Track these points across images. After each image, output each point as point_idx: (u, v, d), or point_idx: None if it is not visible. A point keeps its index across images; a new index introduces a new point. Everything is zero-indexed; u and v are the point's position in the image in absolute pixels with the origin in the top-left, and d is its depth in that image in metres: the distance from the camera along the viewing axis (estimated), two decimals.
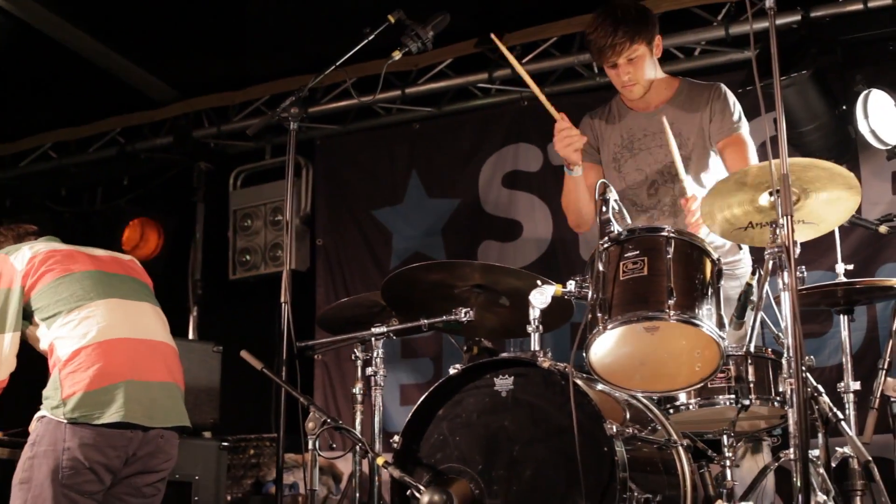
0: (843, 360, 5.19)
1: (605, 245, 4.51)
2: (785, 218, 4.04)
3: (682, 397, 4.72)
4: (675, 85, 5.62)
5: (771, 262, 4.44)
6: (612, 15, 5.38)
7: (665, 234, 4.47)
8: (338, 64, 5.66)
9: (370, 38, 5.63)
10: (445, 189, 8.45)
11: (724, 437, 4.77)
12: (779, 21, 7.03)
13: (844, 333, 5.22)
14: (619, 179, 5.64)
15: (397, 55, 5.65)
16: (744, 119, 5.39)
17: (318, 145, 9.09)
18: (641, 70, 5.45)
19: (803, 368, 4.58)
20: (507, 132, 8.32)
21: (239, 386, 7.03)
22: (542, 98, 5.22)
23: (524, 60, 7.99)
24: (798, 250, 4.42)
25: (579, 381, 4.37)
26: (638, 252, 4.45)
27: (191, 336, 9.24)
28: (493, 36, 5.53)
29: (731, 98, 5.42)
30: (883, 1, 6.92)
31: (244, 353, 4.95)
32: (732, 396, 4.62)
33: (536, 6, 7.76)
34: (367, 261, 8.60)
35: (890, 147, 6.65)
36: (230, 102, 9.16)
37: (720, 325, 4.42)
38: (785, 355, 4.07)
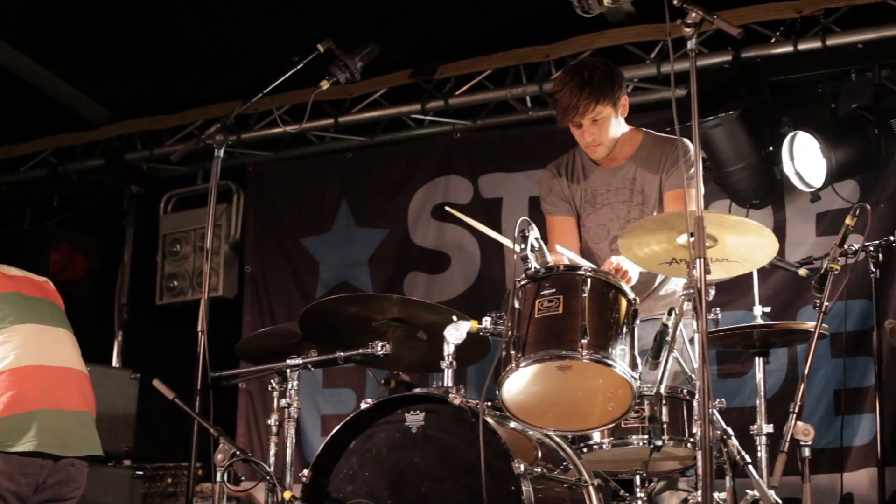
0: (757, 402, 5.19)
1: (522, 282, 4.50)
2: (698, 260, 4.03)
3: (596, 436, 4.71)
4: (639, 139, 5.62)
5: (685, 303, 4.47)
6: (580, 75, 5.36)
7: (582, 272, 4.47)
8: (265, 92, 5.62)
9: (298, 66, 5.61)
10: (374, 219, 8.42)
11: (637, 477, 4.77)
12: (709, 61, 7.22)
13: (759, 375, 5.23)
14: (582, 234, 5.64)
15: (325, 85, 5.63)
16: (699, 176, 5.32)
17: (251, 172, 9.04)
18: (605, 131, 5.44)
19: (713, 411, 4.64)
20: (438, 164, 8.31)
21: (160, 413, 6.93)
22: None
23: (457, 92, 7.98)
24: (713, 291, 4.45)
25: (490, 419, 4.35)
26: (554, 290, 4.44)
27: (115, 362, 9.14)
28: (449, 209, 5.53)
29: (690, 154, 5.33)
30: (812, 44, 6.96)
31: (156, 383, 4.91)
32: (645, 437, 4.61)
33: (471, 38, 7.76)
34: (294, 289, 8.55)
35: (814, 189, 6.68)
36: (163, 126, 9.09)
37: (633, 365, 4.41)
38: (696, 397, 4.06)
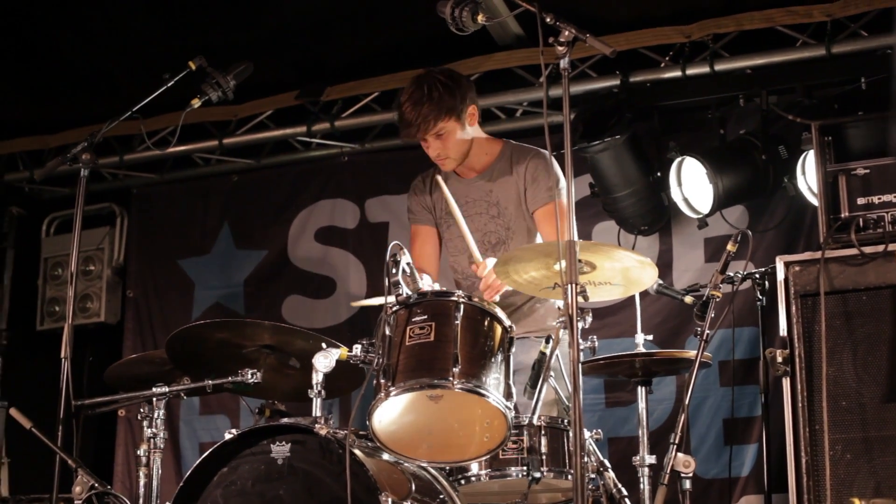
0: (640, 432, 5.08)
1: (394, 308, 4.36)
2: (570, 286, 3.90)
3: (474, 468, 4.55)
4: (497, 149, 5.50)
5: (562, 331, 4.37)
6: (419, 90, 5.26)
7: (455, 299, 4.35)
8: (134, 110, 5.47)
9: (169, 84, 5.45)
10: (253, 240, 8.24)
11: None
12: (598, 84, 7.13)
13: (641, 405, 5.14)
14: (442, 245, 5.56)
15: (196, 103, 5.46)
16: (562, 185, 5.20)
17: (135, 194, 8.81)
18: (450, 144, 5.32)
19: (590, 441, 4.53)
20: (324, 186, 8.15)
21: (36, 442, 6.72)
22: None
23: (344, 115, 7.84)
24: (589, 318, 4.34)
25: (358, 451, 4.20)
26: (426, 317, 4.32)
27: None
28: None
29: (549, 164, 5.23)
30: (701, 69, 6.90)
31: (13, 412, 4.72)
32: (524, 468, 4.47)
33: (358, 60, 7.63)
34: (172, 313, 8.33)
35: (702, 216, 6.61)
36: (44, 146, 8.81)
37: (508, 395, 4.28)
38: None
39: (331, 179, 8.14)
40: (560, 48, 4.28)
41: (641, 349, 5.14)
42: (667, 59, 7.03)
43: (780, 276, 5.13)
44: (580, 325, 4.22)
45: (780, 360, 4.97)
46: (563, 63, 4.30)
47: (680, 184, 6.65)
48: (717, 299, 4.79)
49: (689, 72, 6.93)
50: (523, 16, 4.52)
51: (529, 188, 5.33)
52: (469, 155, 5.40)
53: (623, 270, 4.64)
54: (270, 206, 8.27)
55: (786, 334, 5.06)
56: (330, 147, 8.12)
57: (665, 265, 7.04)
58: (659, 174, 6.75)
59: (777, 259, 5.27)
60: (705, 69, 6.89)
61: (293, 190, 8.23)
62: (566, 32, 4.27)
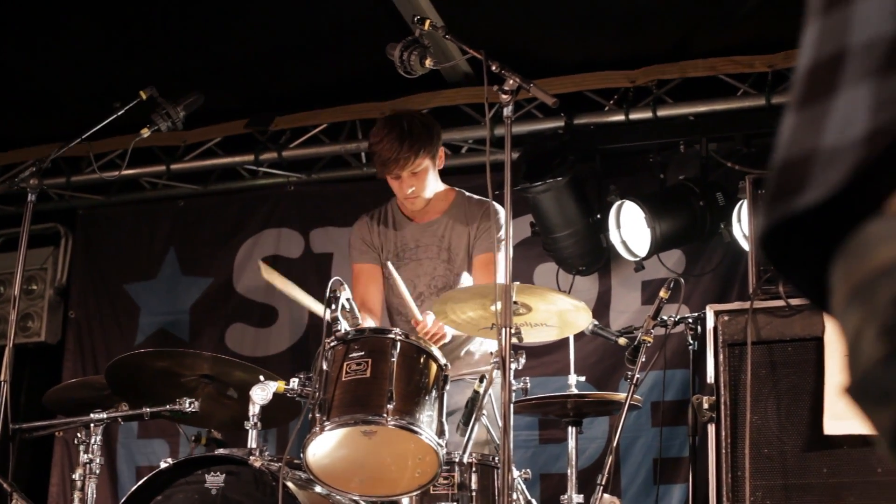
0: (569, 471, 5.19)
1: (332, 344, 4.47)
2: (504, 329, 4.02)
3: (405, 502, 4.63)
4: (451, 197, 5.64)
5: (495, 371, 4.47)
6: (399, 126, 5.34)
7: (392, 336, 4.45)
8: (84, 137, 5.55)
9: (119, 112, 5.54)
10: (199, 267, 8.27)
11: None
12: (543, 126, 7.26)
13: (571, 444, 5.24)
14: (387, 288, 5.62)
15: (146, 133, 5.56)
16: (509, 241, 5.31)
17: (80, 216, 8.82)
18: (424, 183, 5.43)
19: (518, 480, 4.63)
20: (269, 215, 8.21)
21: None
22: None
23: (292, 145, 7.91)
24: (523, 359, 4.46)
25: (291, 483, 4.28)
26: (363, 353, 4.43)
27: None
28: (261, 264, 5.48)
29: (500, 218, 5.36)
30: (644, 114, 7.02)
31: None
32: None
33: (307, 92, 7.70)
34: (115, 337, 8.35)
35: (639, 259, 6.73)
36: None
37: (440, 432, 4.39)
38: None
39: (277, 209, 8.20)
40: (504, 96, 4.41)
41: (574, 390, 5.25)
42: (611, 102, 7.16)
43: (710, 324, 5.27)
44: (513, 365, 4.35)
45: (706, 406, 5.09)
46: (507, 111, 4.44)
47: (619, 226, 6.76)
48: (648, 344, 4.93)
49: (633, 116, 7.06)
50: (472, 57, 4.64)
51: (480, 238, 5.46)
52: (429, 200, 5.51)
53: (558, 312, 4.78)
54: (217, 233, 8.32)
55: (713, 381, 5.20)
56: (277, 176, 8.19)
57: (603, 306, 7.17)
58: (599, 216, 6.85)
59: (707, 307, 5.40)
60: (648, 114, 7.02)
61: (239, 218, 8.28)
62: (510, 81, 4.41)
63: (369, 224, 5.70)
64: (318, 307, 5.19)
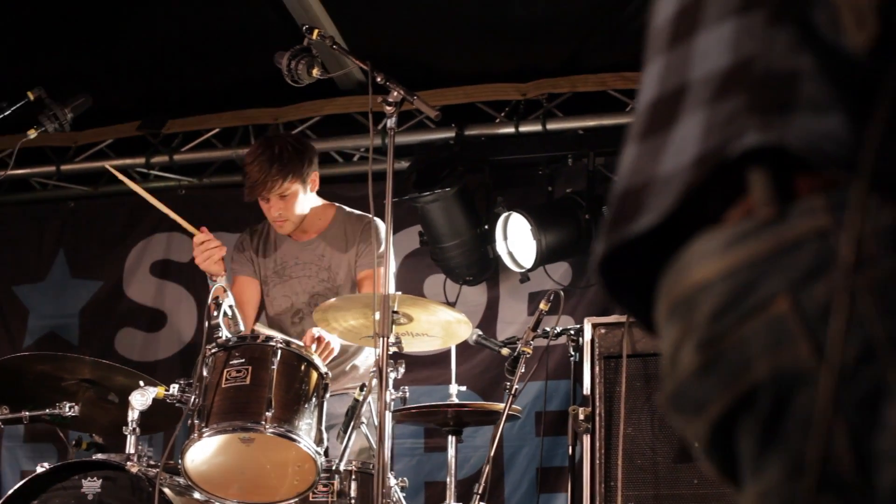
0: (448, 479, 5.27)
1: (213, 350, 4.51)
2: (382, 339, 4.10)
3: None
4: (331, 214, 5.66)
5: (374, 380, 4.53)
6: (269, 150, 5.35)
7: (273, 344, 4.50)
8: None
9: (6, 113, 5.53)
10: (89, 270, 8.22)
11: None
12: (434, 136, 7.33)
13: (451, 453, 5.31)
14: (268, 305, 5.64)
15: (33, 134, 5.55)
16: (389, 252, 5.37)
17: None
18: (293, 207, 5.43)
19: (395, 488, 4.70)
20: (161, 219, 8.13)
21: None
22: (176, 217, 5.15)
23: (184, 149, 7.91)
24: (402, 369, 4.54)
25: (168, 490, 4.31)
26: (243, 360, 4.48)
27: None
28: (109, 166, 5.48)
29: (381, 233, 5.41)
30: (533, 127, 7.11)
31: None
32: None
33: (201, 95, 7.70)
34: (4, 339, 8.27)
35: (524, 270, 6.83)
36: None
37: (319, 440, 4.46)
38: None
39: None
40: (388, 107, 4.49)
41: (454, 399, 5.33)
42: (502, 114, 7.25)
43: (587, 336, 5.38)
44: (393, 374, 4.44)
45: (582, 417, 5.20)
46: (390, 122, 4.51)
47: (506, 238, 6.83)
48: (527, 355, 5.03)
49: (523, 129, 7.14)
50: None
51: (361, 254, 5.49)
52: (305, 218, 5.55)
53: (441, 323, 4.86)
54: (107, 236, 8.26)
55: (589, 393, 5.31)
56: (168, 180, 8.17)
57: (491, 316, 7.26)
58: (486, 227, 6.91)
59: (585, 320, 5.51)
60: (538, 127, 7.11)
61: (130, 220, 8.23)
62: (395, 93, 4.49)
63: (249, 239, 5.72)
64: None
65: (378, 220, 5.21)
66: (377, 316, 4.30)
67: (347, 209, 5.70)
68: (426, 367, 6.96)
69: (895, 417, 1.13)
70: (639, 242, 1.34)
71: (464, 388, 5.43)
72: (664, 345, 1.37)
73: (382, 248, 5.26)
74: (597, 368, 5.29)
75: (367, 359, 5.48)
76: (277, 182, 5.31)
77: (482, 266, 7.10)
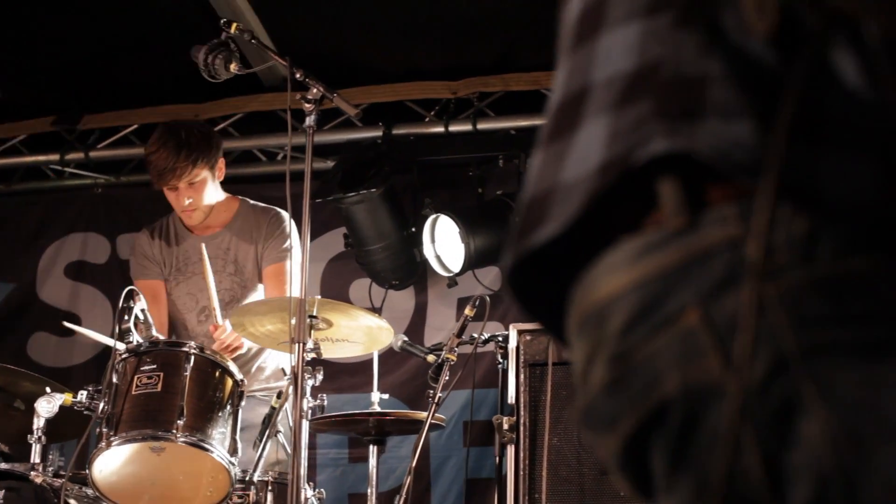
0: (369, 490, 5.23)
1: (123, 356, 4.45)
2: (297, 345, 4.05)
3: None
4: (235, 206, 5.62)
5: (291, 387, 4.47)
6: (175, 136, 5.31)
7: (186, 349, 4.45)
8: None
9: None
10: (1, 271, 8.10)
11: None
12: (361, 135, 7.28)
13: (372, 463, 5.27)
14: (171, 303, 5.57)
15: None
16: (296, 248, 5.30)
17: None
18: (202, 195, 5.39)
19: (312, 499, 4.65)
20: (76, 219, 8.07)
21: None
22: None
23: (101, 145, 7.80)
24: (320, 376, 4.48)
25: (73, 501, 4.24)
26: (155, 366, 4.44)
27: None
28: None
29: (287, 225, 5.39)
30: (463, 126, 7.09)
31: None
32: None
33: (118, 91, 7.60)
34: None
35: (452, 274, 6.79)
36: None
37: (234, 450, 4.42)
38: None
39: (83, 212, 8.06)
40: (307, 105, 4.43)
41: (376, 408, 5.28)
42: (431, 113, 7.23)
43: (512, 343, 5.33)
44: (310, 382, 4.38)
45: (506, 426, 5.16)
46: (309, 120, 4.45)
47: (433, 241, 6.81)
48: (451, 362, 4.99)
49: (452, 128, 7.12)
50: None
51: (267, 247, 5.43)
52: (210, 212, 5.48)
53: (363, 328, 4.82)
54: (20, 236, 8.14)
55: (513, 402, 5.26)
56: (83, 178, 8.07)
57: (419, 322, 7.21)
58: (413, 229, 6.89)
59: (511, 326, 5.46)
60: (468, 127, 7.10)
61: (44, 220, 8.12)
62: (314, 90, 4.43)
63: (150, 238, 5.66)
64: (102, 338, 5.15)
65: (284, 213, 5.17)
66: (294, 321, 4.23)
67: (252, 202, 5.67)
68: (351, 374, 6.92)
69: (809, 431, 1.12)
70: (549, 251, 1.32)
71: (386, 396, 5.39)
72: (575, 359, 1.36)
73: (289, 241, 5.22)
74: (521, 376, 5.24)
75: (273, 360, 5.39)
76: (187, 168, 5.26)
77: (409, 270, 7.07)
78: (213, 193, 5.44)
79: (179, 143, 5.25)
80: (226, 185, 5.67)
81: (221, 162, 5.48)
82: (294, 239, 5.30)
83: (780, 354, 1.13)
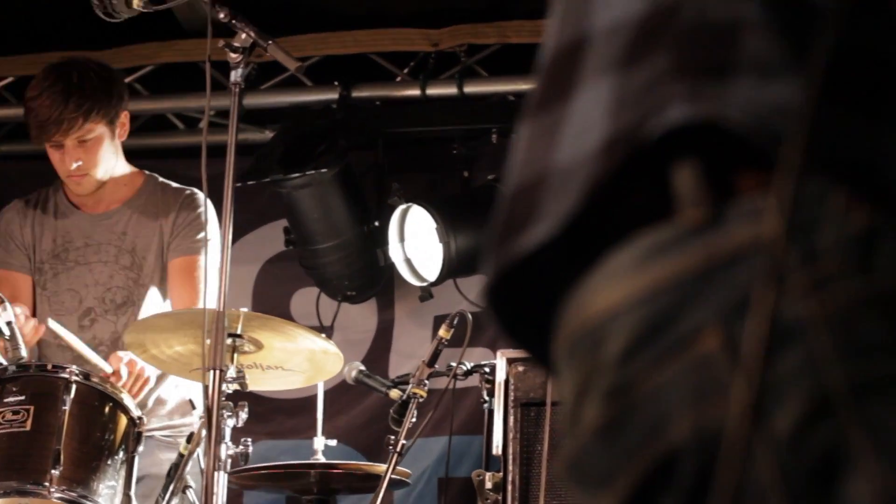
0: None
1: None
2: (213, 373, 4.03)
3: None
4: (139, 182, 5.53)
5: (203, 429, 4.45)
6: (65, 78, 5.22)
7: (66, 376, 4.42)
8: None
9: None
10: None
11: None
12: (311, 97, 7.25)
13: None
14: (43, 300, 5.45)
15: None
16: (214, 239, 5.23)
17: None
18: (96, 157, 5.29)
19: None
20: None
21: None
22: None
23: None
24: (244, 414, 4.47)
25: None
26: (24, 398, 4.41)
27: None
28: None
29: (203, 210, 5.28)
30: (446, 89, 7.05)
31: None
32: None
33: None
34: None
35: (426, 284, 6.74)
36: None
37: None
38: None
39: None
40: (233, 55, 4.39)
41: (321, 458, 5.26)
42: (405, 71, 7.19)
43: (500, 376, 5.24)
44: (230, 422, 4.36)
45: (489, 485, 5.13)
46: (235, 75, 4.41)
47: (402, 239, 6.74)
48: (420, 399, 4.96)
49: (431, 91, 7.08)
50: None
51: (177, 235, 5.35)
52: (106, 183, 5.41)
53: (305, 353, 4.78)
54: None
55: (500, 452, 5.21)
56: None
57: (383, 346, 7.19)
58: (377, 224, 6.84)
59: (498, 353, 5.36)
60: (453, 90, 7.06)
61: None
62: (243, 35, 4.39)
63: (22, 212, 5.49)
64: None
65: (201, 194, 5.07)
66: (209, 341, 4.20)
67: (162, 179, 5.57)
68: (289, 414, 6.90)
69: (857, 493, 1.09)
70: (541, 256, 1.29)
71: (334, 443, 5.36)
72: (564, 394, 1.34)
73: (207, 231, 5.16)
74: (511, 419, 5.19)
75: (176, 389, 5.32)
76: (77, 121, 5.15)
77: (369, 277, 7.04)
78: (111, 158, 5.34)
79: (69, 86, 5.16)
80: (131, 157, 5.61)
81: (125, 116, 5.38)
82: (213, 229, 5.22)
83: (822, 393, 1.10)
